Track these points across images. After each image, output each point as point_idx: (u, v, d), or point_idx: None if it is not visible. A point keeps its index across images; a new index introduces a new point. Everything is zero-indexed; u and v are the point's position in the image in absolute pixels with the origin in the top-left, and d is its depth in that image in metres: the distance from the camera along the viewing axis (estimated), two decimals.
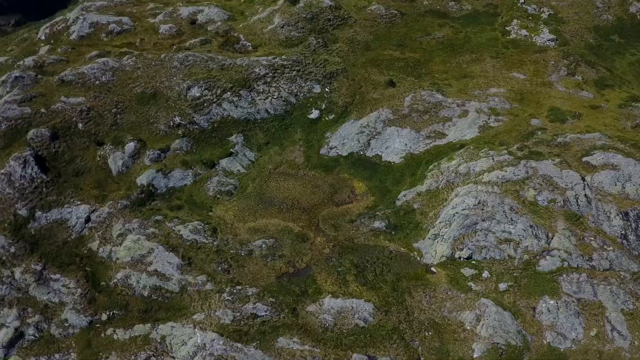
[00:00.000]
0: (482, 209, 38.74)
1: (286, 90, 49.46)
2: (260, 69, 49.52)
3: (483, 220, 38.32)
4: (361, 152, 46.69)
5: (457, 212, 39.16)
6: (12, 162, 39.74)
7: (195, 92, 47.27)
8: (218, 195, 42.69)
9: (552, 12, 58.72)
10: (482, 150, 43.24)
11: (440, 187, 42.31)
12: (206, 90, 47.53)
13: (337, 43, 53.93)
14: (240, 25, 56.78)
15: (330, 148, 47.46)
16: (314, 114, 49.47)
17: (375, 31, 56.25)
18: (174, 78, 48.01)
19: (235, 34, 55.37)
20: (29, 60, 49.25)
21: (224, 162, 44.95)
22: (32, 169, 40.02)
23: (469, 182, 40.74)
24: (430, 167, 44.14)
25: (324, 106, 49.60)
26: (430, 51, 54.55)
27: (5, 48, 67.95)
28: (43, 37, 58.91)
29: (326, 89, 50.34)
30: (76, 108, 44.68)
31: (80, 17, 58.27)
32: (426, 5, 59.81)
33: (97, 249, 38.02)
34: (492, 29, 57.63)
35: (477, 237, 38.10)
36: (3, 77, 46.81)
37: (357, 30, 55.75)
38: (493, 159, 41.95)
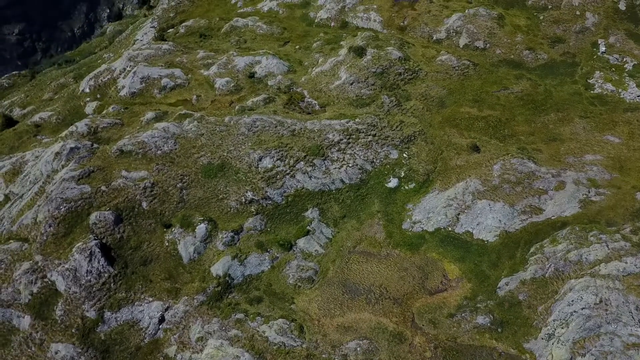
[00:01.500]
0: (606, 310, 34.93)
1: (362, 157, 45.82)
2: (333, 135, 45.90)
3: (608, 323, 34.54)
4: (449, 228, 42.94)
5: (575, 311, 35.34)
6: (77, 255, 36.05)
7: (267, 163, 43.62)
8: (299, 283, 38.95)
9: (636, 63, 55.13)
10: (592, 234, 39.47)
11: (547, 275, 38.51)
12: (278, 161, 43.87)
13: (410, 100, 50.34)
14: (302, 79, 53.23)
15: (414, 222, 43.72)
16: (393, 182, 45.78)
17: (448, 85, 52.69)
18: (243, 147, 44.37)
19: (298, 90, 51.83)
20: (82, 126, 45.61)
21: (301, 243, 41.23)
22: (98, 262, 36.32)
23: (584, 274, 36.95)
24: (532, 249, 40.38)
25: (402, 174, 45.92)
26: (511, 108, 50.93)
27: (40, 94, 64.73)
28: (87, 90, 55.52)
29: (404, 155, 46.70)
30: (139, 184, 41.03)
31: (128, 67, 54.84)
32: (499, 54, 56.25)
33: (175, 355, 34.27)
34: (573, 82, 54.05)
35: (601, 341, 34.26)
36: (56, 148, 43.17)
37: (429, 85, 52.17)
38: (607, 246, 38.17)
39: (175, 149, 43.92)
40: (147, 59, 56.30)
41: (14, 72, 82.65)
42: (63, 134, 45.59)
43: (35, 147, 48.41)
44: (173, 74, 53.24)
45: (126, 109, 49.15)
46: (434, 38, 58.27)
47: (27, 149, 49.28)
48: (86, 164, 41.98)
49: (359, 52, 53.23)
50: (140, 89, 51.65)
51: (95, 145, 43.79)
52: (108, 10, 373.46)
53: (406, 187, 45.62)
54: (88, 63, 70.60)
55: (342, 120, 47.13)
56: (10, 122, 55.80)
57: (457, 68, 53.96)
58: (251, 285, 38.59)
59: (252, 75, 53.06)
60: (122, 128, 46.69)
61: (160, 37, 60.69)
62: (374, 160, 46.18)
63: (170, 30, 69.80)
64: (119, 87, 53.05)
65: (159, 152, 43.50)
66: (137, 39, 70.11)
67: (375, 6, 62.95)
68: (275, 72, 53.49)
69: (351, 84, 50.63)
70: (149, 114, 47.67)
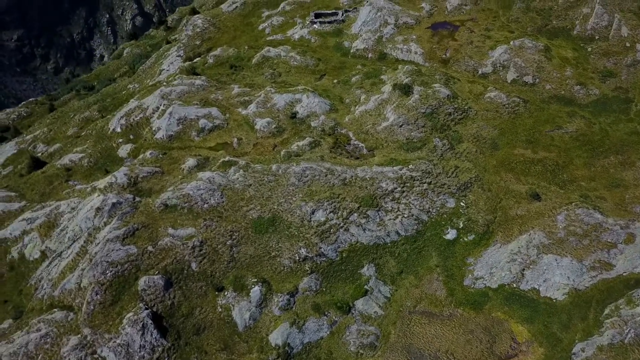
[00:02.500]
0: None
1: (417, 207, 43.59)
2: (387, 184, 43.70)
3: None
4: (514, 285, 40.69)
5: None
6: (129, 329, 33.70)
7: (319, 216, 41.36)
8: (361, 350, 36.65)
9: None
10: None
11: (627, 341, 36.31)
12: (331, 214, 41.62)
13: (462, 143, 48.19)
14: (346, 119, 51.03)
15: (476, 278, 41.47)
16: (451, 234, 43.55)
17: (500, 124, 50.55)
18: (294, 199, 42.11)
19: (343, 131, 49.64)
20: (121, 176, 43.27)
21: (359, 304, 38.92)
22: (151, 335, 33.98)
23: None
24: (606, 311, 38.19)
25: (461, 224, 43.70)
26: (567, 150, 48.80)
27: (64, 129, 62.41)
28: (119, 129, 53.21)
29: (461, 203, 44.50)
30: (187, 243, 38.72)
31: (162, 106, 52.52)
32: (549, 90, 54.14)
33: None
34: (628, 119, 51.96)
35: None
36: (97, 202, 40.83)
37: (480, 125, 50.03)
38: None
39: (223, 202, 41.62)
40: (181, 96, 54.03)
41: (31, 100, 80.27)
42: (102, 184, 43.22)
43: (69, 195, 46.10)
44: (210, 114, 50.99)
45: (164, 154, 46.84)
46: (480, 72, 56.16)
47: (59, 197, 46.97)
48: (130, 221, 39.66)
49: (405, 90, 51.09)
50: (177, 132, 49.37)
51: (137, 199, 41.49)
52: (107, 15, 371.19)
53: (465, 239, 43.38)
54: (111, 93, 68.23)
55: (394, 167, 44.93)
56: (38, 163, 53.45)
57: (507, 106, 51.83)
58: (311, 354, 36.29)
59: (293, 116, 50.85)
60: (162, 177, 44.38)
61: (191, 70, 58.36)
62: (430, 209, 43.96)
63: (198, 59, 67.53)
64: (153, 129, 50.76)
65: (205, 205, 41.21)
66: (163, 69, 67.91)
67: (414, 36, 60.85)
68: (318, 111, 51.29)
69: (400, 126, 48.43)
70: (190, 161, 45.38)
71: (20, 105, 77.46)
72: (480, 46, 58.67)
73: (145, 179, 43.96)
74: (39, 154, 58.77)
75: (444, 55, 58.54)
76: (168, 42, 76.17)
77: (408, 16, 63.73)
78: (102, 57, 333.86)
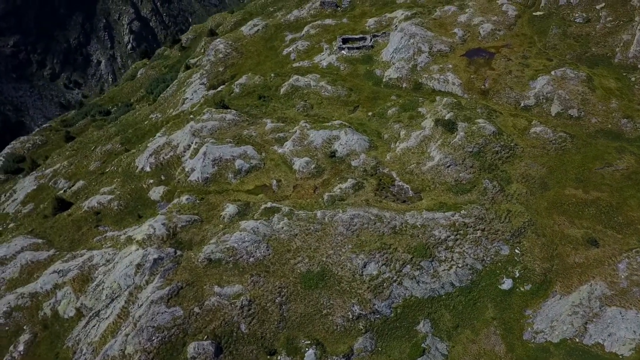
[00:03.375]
0: None
1: (471, 255, 41.67)
2: (439, 231, 41.75)
3: None
4: (577, 340, 38.75)
5: None
6: None
7: (371, 269, 39.37)
8: None
9: None
10: None
11: None
12: (384, 266, 39.65)
13: (512, 183, 46.29)
14: (388, 157, 49.09)
15: (536, 332, 39.51)
16: (506, 283, 41.61)
17: (547, 162, 48.70)
18: (343, 250, 40.10)
19: (385, 171, 47.67)
20: (159, 227, 41.11)
21: None
22: None
23: None
24: None
25: (517, 273, 41.77)
26: (619, 189, 46.97)
27: (86, 163, 60.25)
28: (148, 169, 51.08)
29: (516, 250, 42.58)
30: (235, 303, 36.63)
31: (194, 144, 50.42)
32: (595, 123, 52.37)
33: None
34: None
35: None
36: (136, 258, 38.68)
37: (528, 163, 48.17)
38: None
39: (269, 255, 39.56)
40: (213, 133, 51.97)
41: (45, 126, 78.05)
42: (139, 235, 41.05)
43: (101, 244, 43.91)
44: (246, 154, 48.93)
45: (202, 200, 44.73)
46: (522, 105, 54.35)
47: (90, 245, 44.78)
48: (173, 279, 37.54)
49: (449, 126, 49.18)
50: (213, 174, 47.29)
51: (178, 252, 39.37)
52: (104, 20, 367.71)
53: (522, 289, 41.44)
54: (132, 123, 66.07)
55: (446, 213, 42.98)
56: (63, 203, 51.25)
57: (553, 142, 50.02)
58: None
59: (332, 155, 48.86)
60: (202, 226, 42.28)
61: (220, 102, 56.21)
62: (484, 258, 42.03)
63: (222, 87, 65.50)
64: (186, 170, 48.65)
65: (251, 259, 39.14)
66: (187, 98, 65.80)
67: (450, 65, 59.01)
68: (357, 149, 49.33)
69: (447, 166, 46.51)
70: (230, 208, 43.29)
71: (34, 133, 75.14)
72: (519, 76, 56.89)
73: (184, 229, 41.82)
74: (61, 191, 56.62)
75: (482, 86, 56.73)
76: (188, 67, 74.06)
77: (441, 43, 61.90)
78: (99, 62, 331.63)
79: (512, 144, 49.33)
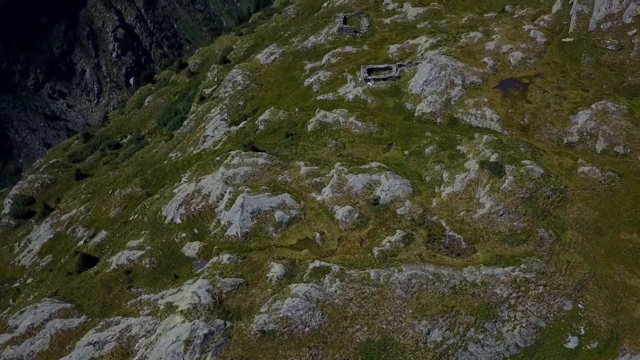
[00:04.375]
0: None
1: (534, 313, 39.61)
2: (501, 289, 39.67)
3: None
4: None
5: None
6: None
7: (435, 335, 37.11)
8: None
9: None
10: None
11: None
12: (448, 331, 37.41)
13: (567, 231, 44.41)
14: (434, 204, 46.90)
15: None
16: (572, 342, 39.60)
17: (598, 204, 46.93)
18: (403, 315, 37.77)
19: (433, 219, 45.46)
20: (204, 294, 38.34)
21: None
22: None
23: None
24: None
25: (582, 330, 39.82)
26: None
27: (105, 209, 57.26)
28: (178, 220, 48.28)
29: (579, 305, 40.63)
30: None
31: (228, 194, 47.70)
32: None
33: None
34: None
35: None
36: (183, 332, 35.89)
37: (579, 207, 46.34)
38: None
39: (325, 324, 37.06)
40: (246, 179, 49.31)
41: (52, 161, 74.38)
42: (183, 304, 38.27)
43: (137, 310, 40.98)
44: (284, 203, 46.36)
45: (244, 259, 42.06)
46: (565, 141, 52.63)
47: (124, 310, 41.82)
48: (226, 356, 34.82)
49: (496, 170, 47.19)
50: (252, 228, 44.63)
51: (228, 324, 36.68)
52: (88, 28, 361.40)
53: (588, 347, 39.45)
54: (150, 162, 63.08)
55: (506, 269, 40.90)
56: (87, 258, 48.19)
57: (602, 182, 48.30)
58: None
59: (375, 202, 46.53)
60: (248, 290, 39.64)
61: (249, 144, 53.55)
62: (548, 315, 40.00)
63: (244, 122, 62.85)
64: (222, 223, 45.92)
65: (306, 329, 36.61)
66: (208, 135, 62.95)
67: (485, 99, 57.10)
68: (401, 195, 47.06)
69: (500, 215, 44.46)
70: (276, 268, 40.70)
71: (41, 170, 71.57)
72: (558, 110, 55.22)
73: (230, 295, 39.13)
74: (81, 241, 53.53)
75: (522, 121, 54.92)
76: (202, 98, 71.23)
77: (473, 74, 60.00)
78: (83, 71, 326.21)
79: (561, 187, 47.50)
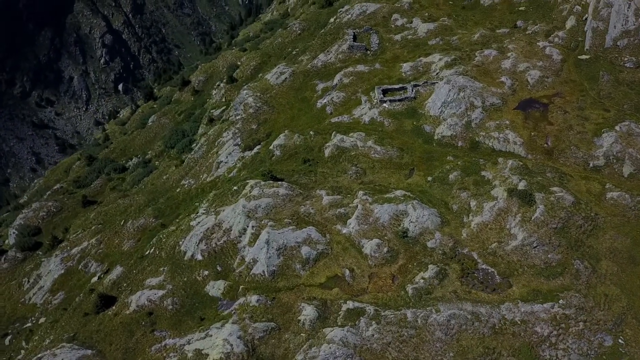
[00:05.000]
0: None
1: (575, 350, 38.53)
2: (541, 327, 38.62)
3: None
4: None
5: None
6: None
7: None
8: None
9: None
10: None
11: None
12: None
13: (601, 261, 43.47)
14: (464, 235, 45.77)
15: None
16: None
17: (630, 232, 46.01)
18: (444, 359, 36.55)
19: (464, 251, 44.33)
20: (236, 342, 36.85)
21: None
22: None
23: None
24: None
25: None
26: None
27: (117, 241, 55.43)
28: (199, 257, 46.71)
29: (619, 340, 39.69)
30: None
31: (251, 229, 46.17)
32: None
33: None
34: None
35: None
36: None
37: (612, 235, 45.43)
38: None
39: None
40: (268, 212, 47.81)
41: (56, 187, 72.25)
42: (215, 354, 36.69)
43: (163, 356, 39.33)
44: (310, 238, 44.95)
45: (273, 300, 40.57)
46: (591, 165, 51.77)
47: (149, 357, 40.13)
48: None
49: (525, 199, 46.20)
50: (279, 266, 43.16)
51: None
52: (75, 35, 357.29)
53: None
54: (161, 189, 61.29)
55: (544, 305, 39.83)
56: (105, 299, 46.34)
57: (632, 208, 47.41)
58: None
59: (404, 234, 45.30)
60: (281, 335, 38.16)
61: (268, 173, 52.02)
62: (589, 352, 38.94)
63: (258, 147, 61.24)
64: (247, 260, 44.37)
65: None
66: (221, 161, 61.23)
67: (507, 122, 56.11)
68: (430, 227, 45.87)
69: (534, 247, 43.44)
70: (308, 310, 39.26)
71: (45, 197, 69.34)
72: (582, 132, 54.39)
73: (262, 341, 37.63)
74: (95, 277, 51.67)
75: (545, 144, 53.99)
76: (211, 120, 69.50)
77: (492, 95, 59.02)
78: (71, 78, 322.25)
79: (592, 214, 46.58)
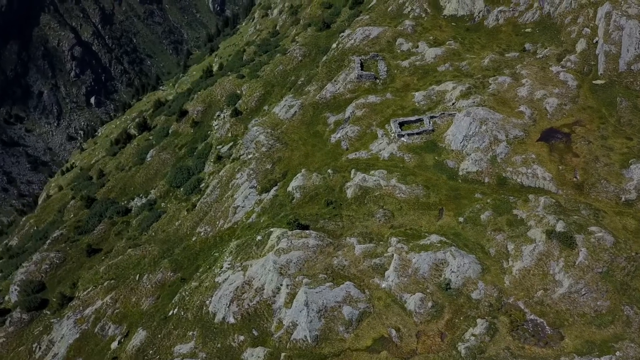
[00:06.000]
0: None
1: None
2: None
3: None
4: None
5: None
6: None
7: None
8: None
9: None
10: None
11: None
12: None
13: None
14: (507, 283, 44.47)
15: None
16: None
17: None
18: None
19: (510, 301, 43.02)
20: None
21: None
22: None
23: None
24: None
25: None
26: None
27: (135, 299, 52.69)
28: (231, 319, 44.42)
29: None
30: None
31: (285, 287, 44.00)
32: None
33: None
34: None
35: None
36: None
37: None
38: None
39: None
40: (301, 267, 45.68)
41: (55, 235, 68.47)
42: None
43: None
44: (350, 296, 43.00)
45: None
46: (623, 199, 51.21)
47: None
48: None
49: (566, 241, 45.24)
50: (321, 329, 41.08)
51: None
52: (42, 48, 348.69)
53: None
54: (174, 237, 58.34)
55: (602, 358, 38.74)
56: None
57: None
58: None
59: (447, 286, 43.76)
60: None
61: (294, 221, 49.88)
62: None
63: (275, 189, 58.95)
64: (286, 324, 42.12)
65: None
66: (238, 206, 58.69)
67: (533, 155, 55.23)
68: (472, 276, 44.46)
69: (582, 294, 42.41)
70: None
71: (46, 246, 65.44)
72: (609, 163, 53.89)
73: None
74: (115, 342, 48.64)
75: (574, 178, 53.28)
76: (219, 158, 66.80)
77: (514, 126, 58.10)
78: (40, 93, 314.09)
79: (632, 254, 45.84)
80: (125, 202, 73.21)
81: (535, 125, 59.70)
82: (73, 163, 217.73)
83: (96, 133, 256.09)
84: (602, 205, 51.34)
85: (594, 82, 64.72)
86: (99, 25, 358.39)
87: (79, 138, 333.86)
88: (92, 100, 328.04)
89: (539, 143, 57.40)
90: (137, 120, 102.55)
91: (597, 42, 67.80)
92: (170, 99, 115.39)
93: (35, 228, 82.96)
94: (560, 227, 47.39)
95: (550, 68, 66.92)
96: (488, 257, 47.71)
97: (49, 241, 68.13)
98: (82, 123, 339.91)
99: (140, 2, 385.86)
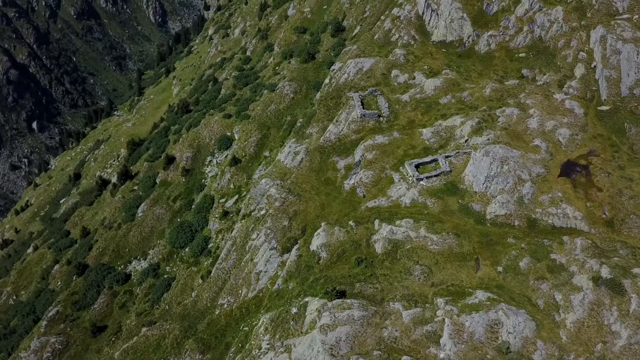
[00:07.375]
0: None
1: None
2: None
3: None
4: None
5: None
6: None
7: None
8: None
9: None
10: None
11: None
12: None
13: None
14: (564, 338, 43.66)
15: None
16: None
17: None
18: None
19: (571, 358, 42.15)
20: None
21: None
22: None
23: None
24: None
25: None
26: None
27: None
28: None
29: None
30: None
31: None
32: None
33: None
34: None
35: None
36: None
37: None
38: None
39: None
40: (352, 345, 43.12)
41: (51, 314, 62.43)
42: None
43: None
44: None
45: None
46: None
47: None
48: None
49: (615, 288, 44.97)
50: None
51: None
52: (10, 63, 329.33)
53: None
54: (194, 313, 54.14)
55: None
56: None
57: None
58: None
59: (507, 350, 42.47)
60: None
61: (334, 291, 47.27)
62: None
63: (297, 247, 56.01)
64: None
65: None
66: (260, 271, 55.30)
67: (559, 193, 54.92)
68: (529, 335, 43.39)
69: None
70: None
71: (43, 329, 59.36)
72: (633, 196, 54.32)
73: None
74: None
75: (603, 215, 53.41)
76: (226, 213, 62.98)
77: (534, 162, 57.74)
78: None
79: None
80: (122, 266, 67.81)
81: (553, 159, 59.68)
82: (27, 201, 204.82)
83: (49, 166, 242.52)
84: (635, 242, 51.72)
85: (598, 108, 65.61)
86: (34, 45, 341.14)
87: (23, 167, 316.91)
88: (35, 125, 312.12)
89: (561, 179, 57.36)
90: (113, 165, 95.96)
91: (594, 66, 68.83)
92: (144, 138, 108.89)
93: (14, 298, 75.93)
94: (605, 272, 47.19)
95: (554, 96, 67.35)
96: (538, 310, 46.89)
97: (45, 322, 61.80)
98: (26, 150, 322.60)
99: (76, 18, 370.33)
